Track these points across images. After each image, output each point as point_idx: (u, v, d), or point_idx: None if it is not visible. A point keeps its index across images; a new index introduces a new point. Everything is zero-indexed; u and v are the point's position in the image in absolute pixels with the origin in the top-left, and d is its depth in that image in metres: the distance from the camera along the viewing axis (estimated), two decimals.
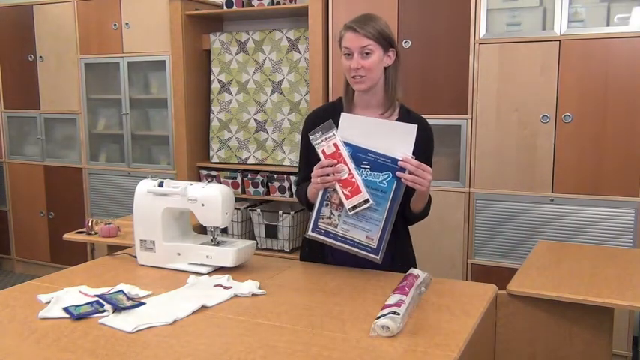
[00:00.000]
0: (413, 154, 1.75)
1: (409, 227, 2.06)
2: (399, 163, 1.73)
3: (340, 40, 1.90)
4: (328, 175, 1.76)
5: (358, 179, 1.76)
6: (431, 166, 1.90)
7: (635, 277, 1.99)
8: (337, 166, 1.76)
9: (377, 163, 1.76)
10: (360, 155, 1.77)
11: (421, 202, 1.88)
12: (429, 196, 1.92)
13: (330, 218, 1.81)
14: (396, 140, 1.75)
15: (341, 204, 1.78)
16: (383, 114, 1.93)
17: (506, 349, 2.02)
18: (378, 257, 1.78)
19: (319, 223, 1.82)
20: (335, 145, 1.78)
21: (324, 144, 1.79)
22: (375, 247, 1.77)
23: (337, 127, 1.79)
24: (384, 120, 1.87)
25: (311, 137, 1.81)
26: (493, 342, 2.02)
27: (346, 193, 1.76)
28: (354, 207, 1.76)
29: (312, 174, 1.81)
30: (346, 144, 1.78)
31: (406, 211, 1.92)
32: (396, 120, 1.93)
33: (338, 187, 1.77)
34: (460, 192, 3.28)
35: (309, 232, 1.84)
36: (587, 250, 2.37)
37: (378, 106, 1.94)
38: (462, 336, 1.42)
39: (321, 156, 1.79)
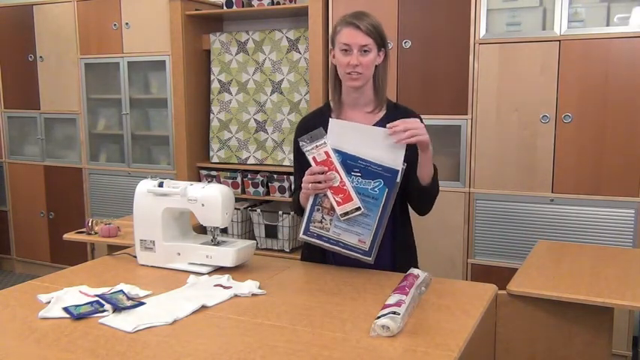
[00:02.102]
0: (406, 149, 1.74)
1: (421, 218, 2.02)
2: (388, 132, 1.72)
3: (335, 34, 1.87)
4: (320, 182, 1.76)
5: (349, 187, 1.76)
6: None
7: (635, 277, 1.99)
8: (328, 173, 1.76)
9: (368, 171, 1.76)
10: (350, 163, 1.77)
11: (428, 162, 1.81)
12: (435, 167, 1.88)
13: (321, 222, 1.81)
14: (386, 147, 1.74)
15: (332, 209, 1.78)
16: (371, 112, 1.93)
17: (506, 349, 2.02)
18: (371, 259, 1.79)
19: (311, 227, 1.83)
20: (326, 152, 1.77)
21: (315, 151, 1.78)
22: (367, 249, 1.78)
23: (327, 134, 1.79)
24: (373, 127, 1.85)
25: (301, 143, 1.80)
26: (493, 342, 2.02)
27: (337, 199, 1.77)
28: (346, 213, 1.77)
29: (302, 179, 1.81)
30: (336, 151, 1.78)
31: (413, 197, 1.91)
32: (384, 115, 1.93)
33: (329, 193, 1.77)
34: (460, 192, 3.28)
35: (301, 235, 1.85)
36: (587, 250, 2.37)
37: (366, 104, 1.94)
38: (462, 336, 1.41)
39: (312, 163, 1.78)
